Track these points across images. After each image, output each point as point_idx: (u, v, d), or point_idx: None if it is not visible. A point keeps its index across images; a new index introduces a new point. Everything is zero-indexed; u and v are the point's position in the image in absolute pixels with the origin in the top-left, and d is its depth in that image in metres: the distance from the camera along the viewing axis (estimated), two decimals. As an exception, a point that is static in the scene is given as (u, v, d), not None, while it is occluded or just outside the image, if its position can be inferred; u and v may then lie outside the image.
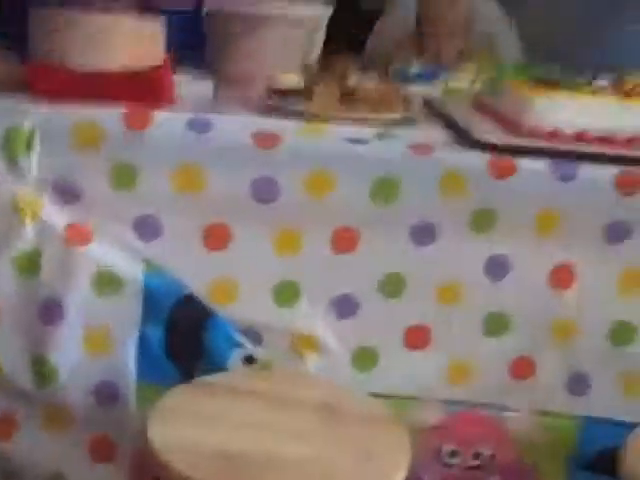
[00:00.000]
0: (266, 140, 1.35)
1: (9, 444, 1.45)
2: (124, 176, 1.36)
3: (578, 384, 1.45)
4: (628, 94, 1.43)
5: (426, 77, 1.93)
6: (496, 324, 1.42)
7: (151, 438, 1.15)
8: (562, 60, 2.32)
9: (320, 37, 1.87)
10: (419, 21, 2.19)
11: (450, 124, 1.50)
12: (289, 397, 1.29)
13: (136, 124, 1.35)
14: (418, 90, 1.70)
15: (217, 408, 1.25)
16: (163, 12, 1.60)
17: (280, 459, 1.14)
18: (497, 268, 1.39)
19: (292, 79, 1.59)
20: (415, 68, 2.09)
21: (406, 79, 1.79)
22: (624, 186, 1.34)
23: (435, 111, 1.62)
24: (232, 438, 1.18)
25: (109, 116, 1.35)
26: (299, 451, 1.17)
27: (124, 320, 1.40)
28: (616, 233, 1.38)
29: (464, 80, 1.88)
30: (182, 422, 1.21)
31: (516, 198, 1.35)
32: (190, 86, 1.60)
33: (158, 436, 1.16)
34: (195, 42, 1.88)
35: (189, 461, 1.11)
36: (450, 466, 1.50)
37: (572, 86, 1.45)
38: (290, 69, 1.63)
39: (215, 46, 1.83)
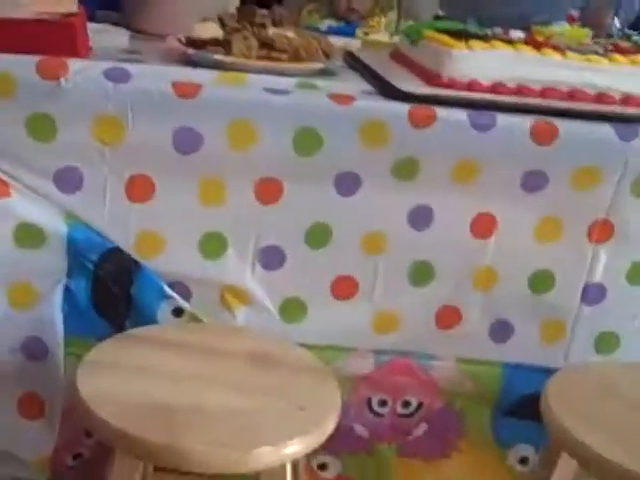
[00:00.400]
0: (186, 89, 1.33)
1: None
2: (42, 127, 1.32)
3: (501, 331, 1.49)
4: (542, 45, 1.46)
5: (340, 33, 1.93)
6: (421, 273, 1.44)
7: (80, 390, 1.14)
8: (474, 15, 2.37)
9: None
10: None
11: (370, 75, 1.50)
12: (219, 348, 1.29)
13: (51, 73, 1.31)
14: (337, 42, 1.69)
15: (146, 360, 1.23)
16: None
17: (210, 409, 1.14)
18: (420, 218, 1.41)
19: (210, 29, 1.56)
20: (325, 24, 2.09)
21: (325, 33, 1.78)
22: (539, 136, 1.37)
23: (354, 62, 1.62)
24: (162, 389, 1.17)
25: (22, 65, 1.31)
26: (229, 401, 1.17)
27: (48, 274, 1.37)
28: (533, 182, 1.40)
29: (381, 33, 1.89)
30: (111, 374, 1.19)
31: (436, 147, 1.36)
32: (105, 37, 1.57)
33: (87, 388, 1.14)
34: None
35: (118, 412, 1.10)
36: (380, 415, 1.52)
37: (488, 38, 1.47)
38: (207, 19, 1.60)
39: (130, -4, 1.80)
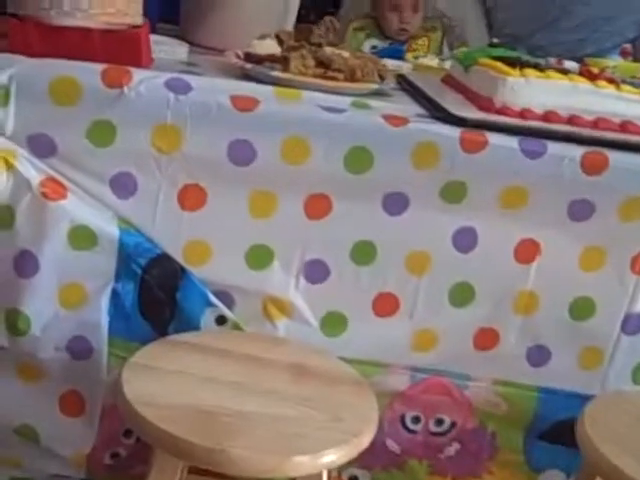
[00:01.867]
0: (244, 103, 1.36)
1: (-21, 394, 1.46)
2: (101, 133, 1.36)
3: (538, 356, 1.50)
4: (596, 77, 1.48)
5: (390, 54, 1.96)
6: (462, 295, 1.46)
7: (125, 392, 1.17)
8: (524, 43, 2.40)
9: (295, 6, 1.88)
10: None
11: (423, 98, 1.53)
12: (260, 357, 1.32)
13: (115, 81, 1.35)
14: (389, 65, 1.72)
15: (190, 365, 1.27)
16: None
17: (250, 416, 1.17)
18: (465, 240, 1.43)
19: (268, 45, 1.60)
20: (367, 45, 2.13)
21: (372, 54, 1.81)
22: (589, 166, 1.39)
23: (407, 85, 1.65)
24: (204, 394, 1.21)
25: (88, 72, 1.35)
26: (269, 409, 1.20)
27: (98, 276, 1.41)
28: (579, 211, 1.42)
29: (429, 57, 1.92)
30: (155, 377, 1.23)
31: (485, 172, 1.39)
32: (166, 49, 1.61)
33: (132, 390, 1.18)
34: (172, 7, 1.89)
35: (162, 414, 1.14)
36: (413, 432, 1.54)
37: (543, 68, 1.49)
38: (265, 36, 1.64)
39: (191, 11, 1.84)
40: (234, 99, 1.36)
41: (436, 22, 2.21)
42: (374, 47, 2.15)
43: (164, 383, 1.22)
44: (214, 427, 1.14)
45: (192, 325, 1.42)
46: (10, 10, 1.42)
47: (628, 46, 2.07)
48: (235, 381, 1.24)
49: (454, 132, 1.38)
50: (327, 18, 1.65)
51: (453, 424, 1.54)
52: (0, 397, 1.45)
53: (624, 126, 1.43)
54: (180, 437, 1.10)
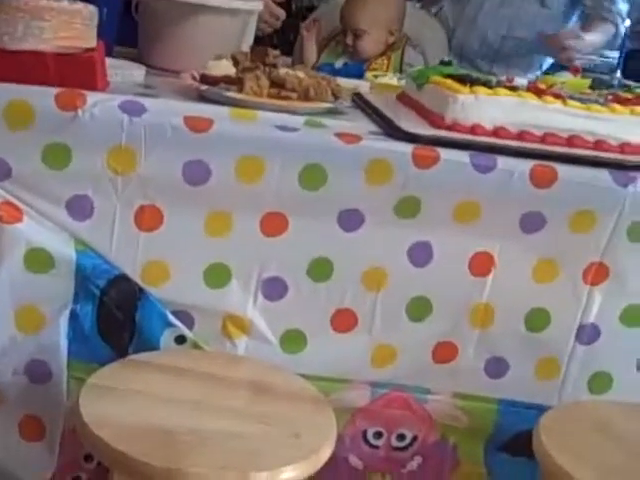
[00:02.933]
0: (198, 124, 1.37)
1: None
2: (56, 156, 1.36)
3: (496, 368, 1.51)
4: (544, 93, 1.50)
5: (349, 72, 1.98)
6: (419, 309, 1.47)
7: (82, 413, 1.17)
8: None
9: (251, 30, 1.90)
10: (343, 17, 2.24)
11: (377, 116, 1.55)
12: (219, 376, 1.32)
13: (69, 104, 1.35)
14: (345, 83, 1.74)
15: (148, 385, 1.27)
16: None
17: (209, 434, 1.17)
18: (420, 254, 1.44)
19: (224, 67, 1.61)
20: (339, 63, 2.16)
21: (331, 74, 1.83)
22: (538, 179, 1.41)
23: (362, 103, 1.66)
24: (163, 414, 1.20)
25: (41, 96, 1.35)
26: (228, 427, 1.20)
27: (55, 299, 1.40)
28: (531, 223, 1.44)
29: (388, 76, 1.94)
30: (113, 398, 1.22)
31: (438, 187, 1.40)
32: (123, 72, 1.61)
33: (89, 411, 1.17)
34: (129, 30, 1.90)
35: (119, 435, 1.13)
36: (375, 447, 1.54)
37: (492, 85, 1.51)
38: (221, 57, 1.65)
39: (147, 33, 1.85)
40: (188, 120, 1.37)
41: (397, 42, 2.24)
42: (345, 64, 2.18)
43: (122, 404, 1.21)
44: (172, 447, 1.13)
45: (152, 345, 1.42)
46: (-37, 35, 1.43)
47: (578, 64, 2.11)
48: (194, 400, 1.24)
49: (406, 148, 1.40)
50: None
51: (414, 438, 1.54)
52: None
53: (571, 140, 1.46)
54: (136, 458, 1.10)
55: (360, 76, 1.98)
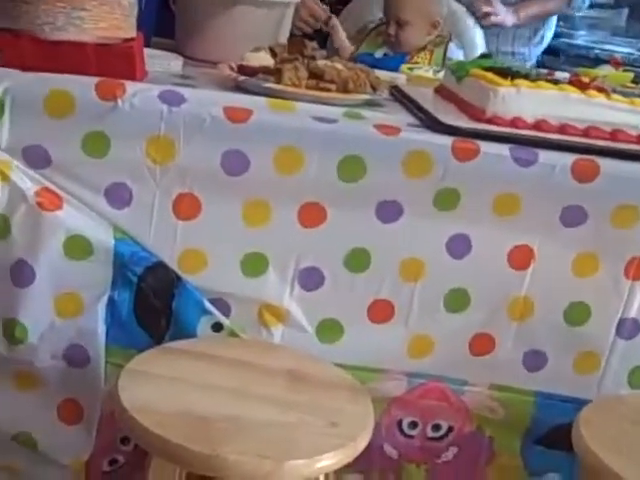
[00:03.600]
0: (237, 114, 1.38)
1: (-23, 403, 1.46)
2: (96, 144, 1.37)
3: (534, 361, 1.50)
4: (586, 87, 1.49)
5: (389, 64, 1.98)
6: (456, 300, 1.47)
7: (121, 398, 1.18)
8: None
9: (288, 22, 1.90)
10: (387, 7, 2.24)
11: (415, 108, 1.54)
12: (256, 364, 1.32)
13: (108, 94, 1.36)
14: (383, 76, 1.74)
15: (186, 371, 1.27)
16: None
17: (246, 421, 1.17)
18: (459, 246, 1.43)
19: (261, 58, 1.61)
20: (379, 54, 2.15)
21: (370, 65, 1.82)
22: (580, 173, 1.40)
23: (400, 96, 1.66)
24: (200, 401, 1.21)
25: (82, 85, 1.36)
26: (265, 415, 1.20)
27: (94, 285, 1.41)
28: (572, 217, 1.43)
29: (426, 68, 1.94)
30: (152, 384, 1.23)
31: (478, 180, 1.40)
32: (161, 62, 1.62)
33: (128, 396, 1.18)
34: (167, 21, 1.91)
35: (158, 420, 1.14)
36: (410, 437, 1.54)
37: (533, 78, 1.50)
38: (259, 49, 1.65)
39: (185, 24, 1.86)
40: (227, 110, 1.38)
41: (440, 36, 2.24)
42: (385, 54, 2.17)
43: (160, 390, 1.22)
44: (210, 433, 1.14)
45: (188, 333, 1.43)
46: (4, 25, 1.44)
47: (618, 57, 2.11)
48: (231, 387, 1.25)
49: (446, 141, 1.39)
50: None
51: (450, 429, 1.54)
52: None
53: (614, 134, 1.45)
54: (176, 443, 1.11)
55: (397, 70, 1.98)
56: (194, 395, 1.22)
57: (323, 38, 2.42)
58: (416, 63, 2.11)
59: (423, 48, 2.20)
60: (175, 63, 1.66)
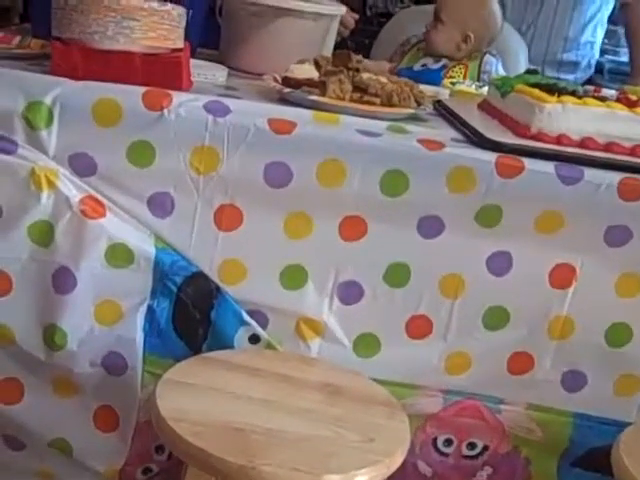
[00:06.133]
0: (281, 126, 1.38)
1: (17, 407, 1.47)
2: (141, 153, 1.38)
3: (573, 381, 1.49)
4: (634, 105, 1.47)
5: (427, 77, 1.97)
6: (496, 318, 1.45)
7: (158, 407, 1.18)
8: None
9: (333, 35, 1.91)
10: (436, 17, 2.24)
11: (459, 123, 1.53)
12: (292, 376, 1.32)
13: (155, 104, 1.38)
14: (426, 90, 1.73)
15: (223, 382, 1.27)
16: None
17: (282, 434, 1.17)
18: (499, 264, 1.42)
19: (306, 70, 1.62)
20: (417, 67, 2.15)
21: (410, 77, 1.82)
22: (627, 192, 1.38)
23: (444, 110, 1.65)
24: (236, 412, 1.21)
25: (129, 95, 1.38)
26: (301, 428, 1.20)
27: (134, 293, 1.42)
28: (617, 237, 1.41)
29: (468, 83, 1.93)
30: (189, 394, 1.24)
31: (521, 197, 1.39)
32: (206, 73, 1.63)
33: (166, 406, 1.18)
34: (211, 32, 1.93)
35: (196, 431, 1.14)
36: (445, 454, 1.53)
37: (580, 94, 1.49)
38: (303, 61, 1.66)
39: (230, 36, 1.87)
40: (272, 122, 1.38)
41: (474, 52, 2.22)
42: (424, 65, 2.17)
43: (197, 400, 1.23)
44: (246, 444, 1.14)
45: (226, 344, 1.43)
46: (54, 34, 1.46)
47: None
48: (267, 399, 1.25)
49: (490, 157, 1.38)
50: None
51: (485, 448, 1.52)
52: (35, 410, 1.47)
53: (662, 153, 1.43)
54: (212, 454, 1.11)
55: (437, 81, 1.97)
56: (231, 406, 1.22)
57: (365, 50, 2.42)
58: (451, 77, 2.10)
59: (459, 62, 2.18)
60: (220, 74, 1.67)
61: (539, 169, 1.38)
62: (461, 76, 2.18)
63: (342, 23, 2.20)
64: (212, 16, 1.95)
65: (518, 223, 1.40)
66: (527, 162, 1.38)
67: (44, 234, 1.39)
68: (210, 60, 1.78)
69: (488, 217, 1.40)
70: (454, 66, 2.19)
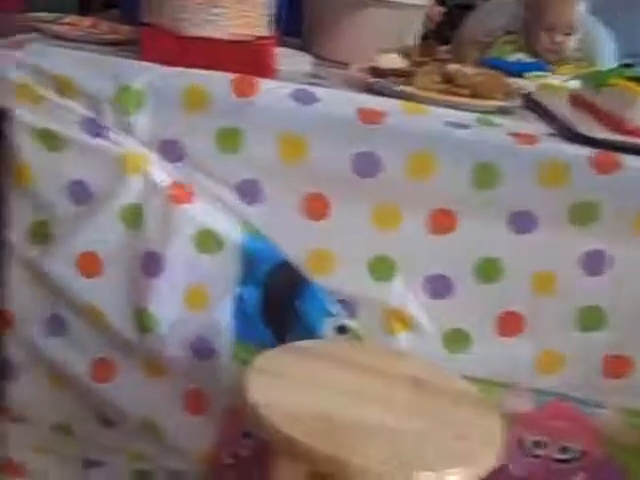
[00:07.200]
0: (371, 116, 1.37)
1: (108, 386, 1.49)
2: (230, 140, 1.38)
3: None
4: None
5: (527, 68, 1.93)
6: (591, 319, 1.42)
7: (248, 395, 1.17)
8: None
9: (419, 25, 1.88)
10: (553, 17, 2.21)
11: (550, 117, 1.50)
12: (381, 368, 1.31)
13: (244, 91, 1.38)
14: (512, 82, 1.70)
15: (312, 372, 1.26)
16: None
17: (371, 427, 1.16)
18: (594, 262, 1.39)
19: (393, 60, 1.60)
20: (512, 59, 2.11)
21: (500, 69, 1.78)
22: None
23: (532, 103, 1.62)
24: (325, 402, 1.20)
25: (218, 81, 1.38)
26: (390, 421, 1.18)
27: (222, 279, 1.43)
28: None
29: (561, 76, 1.89)
30: (279, 382, 1.23)
31: (618, 194, 1.35)
32: (290, 61, 1.62)
33: (257, 394, 1.18)
34: (295, 20, 1.91)
35: (288, 419, 1.13)
36: (534, 456, 1.49)
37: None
38: (389, 50, 1.64)
39: (314, 24, 1.85)
40: (360, 111, 1.37)
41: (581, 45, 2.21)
42: (519, 59, 2.14)
43: (287, 388, 1.21)
44: (336, 435, 1.12)
45: (312, 333, 1.43)
46: (144, 19, 1.46)
47: None
48: (356, 391, 1.23)
49: (586, 152, 1.35)
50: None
51: (579, 452, 1.48)
52: (127, 390, 1.48)
53: None
54: (302, 442, 1.10)
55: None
56: (321, 397, 1.21)
57: (445, 42, 2.39)
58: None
59: (566, 62, 2.16)
60: (304, 62, 1.66)
61: (638, 165, 1.34)
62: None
63: (428, 15, 2.17)
64: (294, 3, 1.93)
65: (615, 221, 1.36)
66: (624, 158, 1.34)
67: (134, 217, 1.40)
68: (294, 48, 1.76)
69: (582, 214, 1.36)
70: (563, 64, 2.16)
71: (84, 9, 2.37)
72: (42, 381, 1.52)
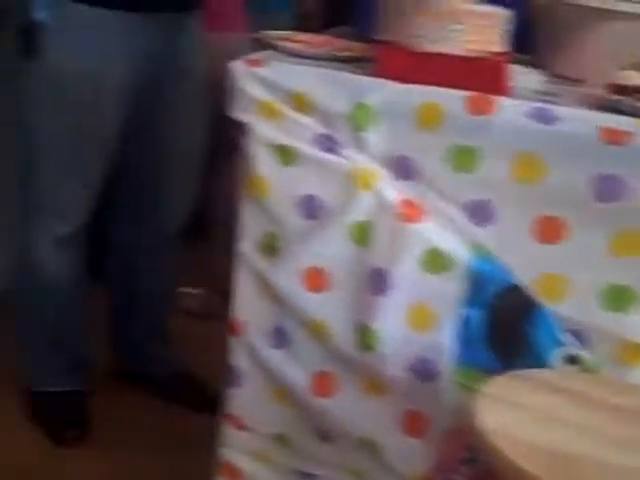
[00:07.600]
0: (614, 136, 1.30)
1: (328, 401, 1.50)
2: (464, 159, 1.36)
3: None
4: None
5: None
6: None
7: (478, 421, 1.14)
8: None
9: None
10: None
11: None
12: (619, 404, 1.22)
13: (479, 109, 1.35)
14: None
15: (543, 404, 1.20)
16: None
17: (612, 468, 1.08)
18: None
19: (633, 76, 1.52)
20: None
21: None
22: None
23: None
24: (561, 437, 1.13)
25: (453, 99, 1.36)
26: (633, 463, 1.10)
27: (447, 300, 1.40)
28: None
29: None
30: (509, 411, 1.18)
31: None
32: (521, 78, 1.57)
33: (490, 424, 1.13)
34: (523, 36, 1.86)
35: (518, 450, 1.08)
36: None
37: None
38: (624, 66, 1.56)
39: (547, 38, 1.79)
40: (603, 131, 1.31)
41: None
42: None
43: (519, 419, 1.16)
44: (571, 473, 1.07)
45: (541, 361, 1.37)
46: (378, 37, 1.47)
47: None
48: (594, 427, 1.16)
49: None
50: None
51: None
52: (346, 407, 1.49)
53: None
54: (534, 475, 1.04)
55: None
56: (554, 430, 1.15)
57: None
58: None
59: None
60: (536, 79, 1.60)
61: None
62: None
63: None
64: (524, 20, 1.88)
65: None
66: None
67: (363, 234, 1.40)
68: (523, 64, 1.71)
69: None
70: None
71: (302, 29, 2.42)
72: (264, 390, 1.56)
